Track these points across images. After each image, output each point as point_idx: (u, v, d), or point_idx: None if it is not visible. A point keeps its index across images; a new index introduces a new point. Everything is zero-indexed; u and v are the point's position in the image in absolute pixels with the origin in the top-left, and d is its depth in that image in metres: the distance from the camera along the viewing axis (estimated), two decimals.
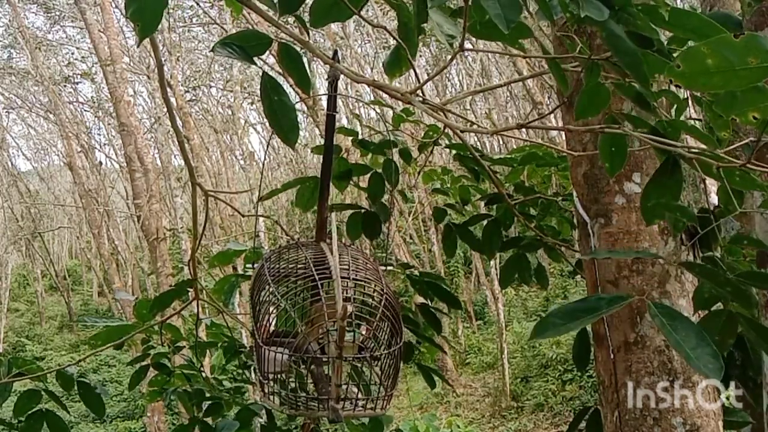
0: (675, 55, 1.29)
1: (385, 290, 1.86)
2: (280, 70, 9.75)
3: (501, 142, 23.12)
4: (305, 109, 14.82)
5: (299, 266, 1.98)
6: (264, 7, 1.55)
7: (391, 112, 2.93)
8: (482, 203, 2.97)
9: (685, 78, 1.06)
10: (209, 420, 2.74)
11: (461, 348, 17.34)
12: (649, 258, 1.94)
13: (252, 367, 2.82)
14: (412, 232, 20.85)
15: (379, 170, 2.63)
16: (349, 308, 1.67)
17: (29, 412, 2.21)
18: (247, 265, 2.49)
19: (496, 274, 14.73)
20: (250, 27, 11.58)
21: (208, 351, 3.28)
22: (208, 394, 2.79)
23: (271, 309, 1.90)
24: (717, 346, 1.67)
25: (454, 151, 2.88)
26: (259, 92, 1.50)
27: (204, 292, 2.43)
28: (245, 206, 18.14)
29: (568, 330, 1.32)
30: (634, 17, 1.44)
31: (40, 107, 25.06)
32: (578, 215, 2.13)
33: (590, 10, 1.32)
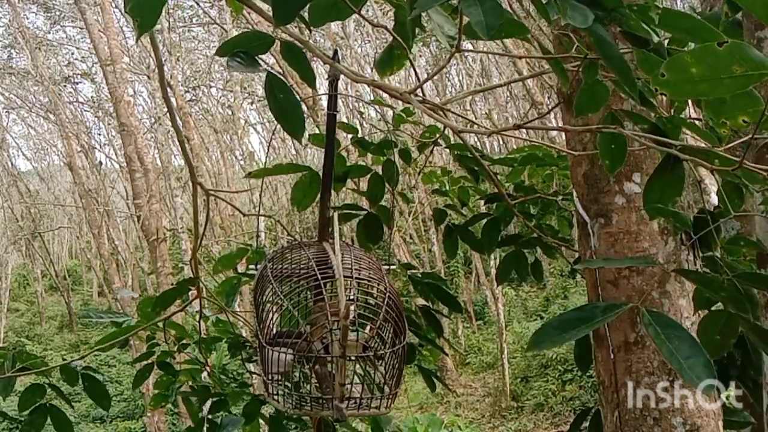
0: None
1: (388, 289, 1.87)
2: (280, 70, 9.75)
3: (501, 142, 23.12)
4: (306, 109, 14.82)
5: (302, 266, 1.99)
6: (265, 7, 1.57)
7: (391, 112, 2.94)
8: (481, 203, 2.98)
9: (670, 87, 1.05)
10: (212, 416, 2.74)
11: (461, 348, 17.33)
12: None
13: (254, 363, 2.82)
14: (412, 232, 20.84)
15: (379, 170, 2.63)
16: (352, 308, 1.68)
17: (33, 407, 2.22)
18: (251, 266, 2.49)
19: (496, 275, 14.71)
20: (251, 27, 11.58)
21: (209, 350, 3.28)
22: (213, 390, 2.79)
23: (274, 309, 1.91)
24: (718, 346, 1.68)
25: (454, 151, 2.88)
26: (258, 92, 1.52)
27: (205, 290, 2.44)
28: (245, 206, 18.11)
29: (564, 341, 1.33)
30: (627, 18, 1.45)
31: (40, 107, 25.03)
32: (578, 215, 2.13)
33: (574, 16, 1.31)
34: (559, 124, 2.92)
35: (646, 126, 1.65)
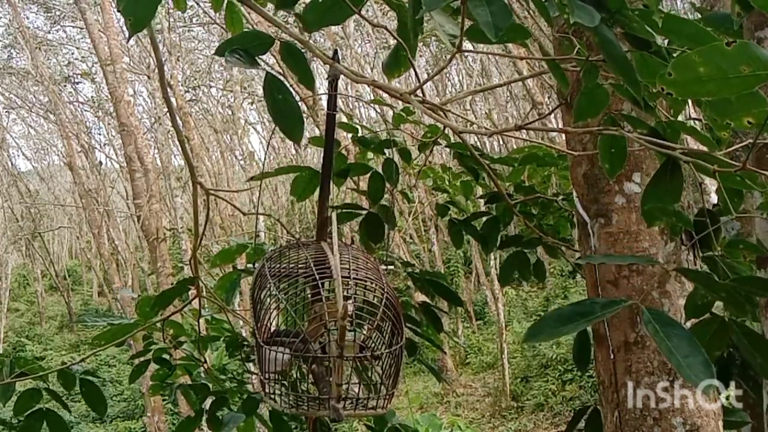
0: (675, 55, 1.29)
1: (386, 289, 1.87)
2: (280, 70, 9.75)
3: (501, 142, 23.10)
4: (305, 109, 14.82)
5: (300, 265, 1.98)
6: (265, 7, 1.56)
7: (391, 112, 2.94)
8: (481, 203, 2.99)
9: (677, 86, 1.04)
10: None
11: (461, 347, 17.34)
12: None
13: (252, 362, 2.81)
14: (412, 232, 20.84)
15: (379, 169, 2.63)
16: (350, 307, 1.67)
17: (29, 412, 2.19)
18: (248, 264, 2.49)
19: (496, 274, 14.73)
20: (251, 27, 11.57)
21: (208, 350, 3.27)
22: (212, 388, 2.78)
23: (272, 308, 1.90)
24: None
25: (454, 151, 2.89)
26: (258, 92, 1.52)
27: (205, 289, 2.43)
28: (245, 206, 18.11)
29: (561, 334, 1.32)
30: (630, 20, 1.44)
31: (40, 107, 25.03)
32: (578, 215, 2.13)
33: (581, 15, 1.30)
34: (560, 125, 2.93)
35: (644, 130, 1.65)
